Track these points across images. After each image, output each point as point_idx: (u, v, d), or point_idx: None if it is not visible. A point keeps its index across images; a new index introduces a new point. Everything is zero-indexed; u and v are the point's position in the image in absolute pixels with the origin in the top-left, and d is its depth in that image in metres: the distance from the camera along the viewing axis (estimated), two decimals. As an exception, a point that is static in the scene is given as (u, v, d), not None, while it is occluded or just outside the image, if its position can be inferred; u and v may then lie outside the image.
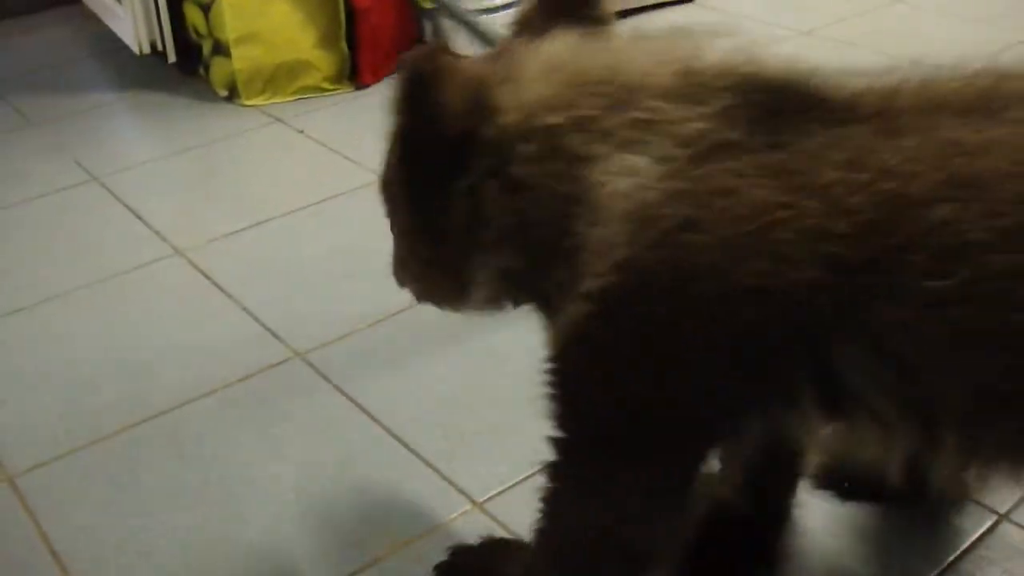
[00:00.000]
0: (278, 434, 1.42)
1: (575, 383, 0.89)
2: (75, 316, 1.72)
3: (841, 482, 1.24)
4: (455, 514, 1.26)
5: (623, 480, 0.89)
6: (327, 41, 2.46)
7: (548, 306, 0.94)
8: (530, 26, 0.96)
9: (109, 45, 2.78)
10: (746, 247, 0.78)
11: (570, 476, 0.93)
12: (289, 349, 1.58)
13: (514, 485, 1.29)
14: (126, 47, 2.62)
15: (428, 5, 2.48)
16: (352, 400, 1.46)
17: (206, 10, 2.44)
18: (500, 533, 1.22)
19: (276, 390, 1.50)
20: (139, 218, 1.99)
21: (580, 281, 0.84)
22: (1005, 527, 1.22)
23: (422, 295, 1.10)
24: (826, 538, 1.22)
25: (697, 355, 0.82)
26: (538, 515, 0.97)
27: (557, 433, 0.91)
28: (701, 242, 0.79)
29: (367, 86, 2.50)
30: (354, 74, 2.51)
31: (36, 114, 2.50)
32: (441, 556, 1.18)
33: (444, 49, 0.91)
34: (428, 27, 2.54)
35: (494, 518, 1.25)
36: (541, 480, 0.95)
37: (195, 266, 1.82)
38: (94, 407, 1.49)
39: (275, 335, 1.62)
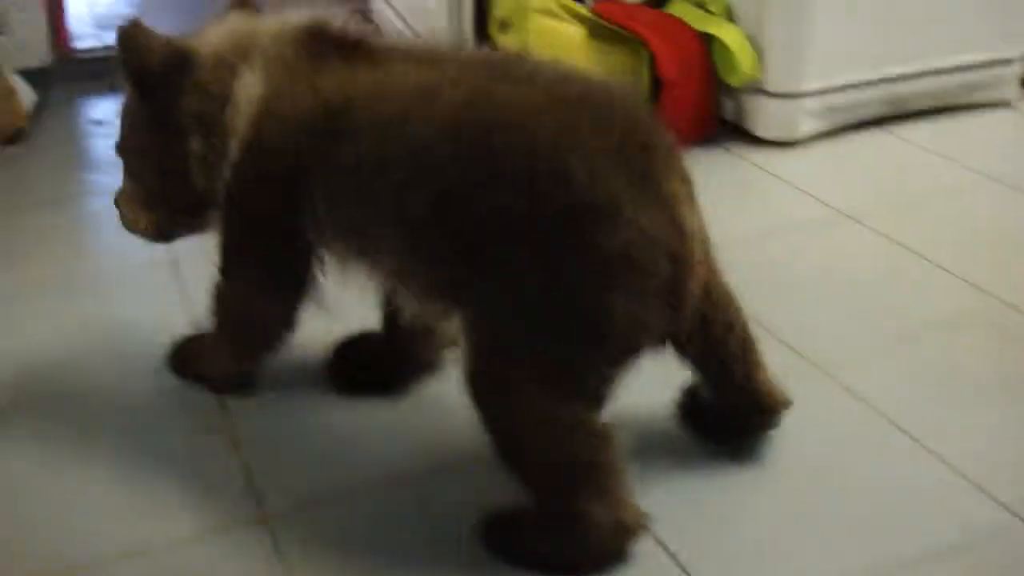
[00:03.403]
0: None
1: (225, 210, 1.39)
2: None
3: None
4: None
5: (253, 271, 1.42)
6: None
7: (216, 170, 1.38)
8: (221, 16, 1.46)
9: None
10: (274, 118, 1.31)
11: (226, 268, 1.43)
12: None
13: None
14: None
15: (735, 84, 2.39)
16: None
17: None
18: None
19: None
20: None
21: (229, 150, 1.34)
22: (1007, 526, 1.24)
23: (158, 225, 1.48)
24: (821, 524, 1.24)
25: (269, 190, 1.33)
26: (210, 300, 1.47)
27: (220, 242, 1.42)
28: (269, 118, 1.31)
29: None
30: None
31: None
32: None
33: (138, 19, 1.37)
34: (730, 106, 2.44)
35: None
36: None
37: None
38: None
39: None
